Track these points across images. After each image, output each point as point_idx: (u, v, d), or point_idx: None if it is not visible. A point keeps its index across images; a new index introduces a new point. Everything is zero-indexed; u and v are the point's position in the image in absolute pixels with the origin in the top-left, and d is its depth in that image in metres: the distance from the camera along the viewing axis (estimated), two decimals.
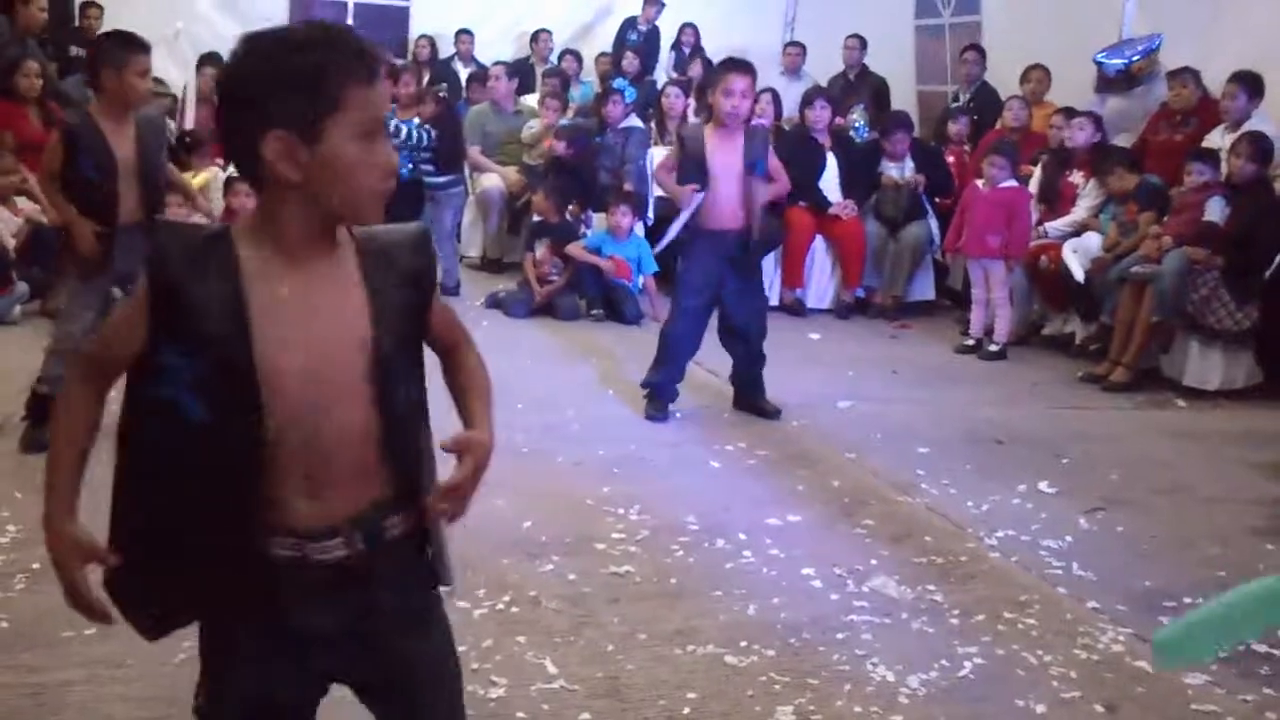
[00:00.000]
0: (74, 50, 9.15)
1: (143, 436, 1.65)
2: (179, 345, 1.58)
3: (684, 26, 11.11)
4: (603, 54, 11.17)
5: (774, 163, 5.40)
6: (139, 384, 1.64)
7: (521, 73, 10.08)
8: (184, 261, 1.59)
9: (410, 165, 7.74)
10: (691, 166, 5.21)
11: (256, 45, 1.58)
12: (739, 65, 5.24)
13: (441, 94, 8.53)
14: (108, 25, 9.89)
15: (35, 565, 3.44)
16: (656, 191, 7.35)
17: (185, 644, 2.96)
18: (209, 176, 7.73)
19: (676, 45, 11.14)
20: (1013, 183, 7.12)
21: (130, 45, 4.47)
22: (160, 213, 4.63)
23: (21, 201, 6.93)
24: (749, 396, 5.53)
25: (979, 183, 7.19)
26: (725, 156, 5.18)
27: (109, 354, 1.67)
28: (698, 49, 10.92)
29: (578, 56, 10.89)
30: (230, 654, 1.74)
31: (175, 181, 4.82)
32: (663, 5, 11.12)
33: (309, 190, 1.58)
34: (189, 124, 8.61)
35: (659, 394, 5.31)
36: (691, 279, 5.32)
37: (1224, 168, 6.46)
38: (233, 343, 1.57)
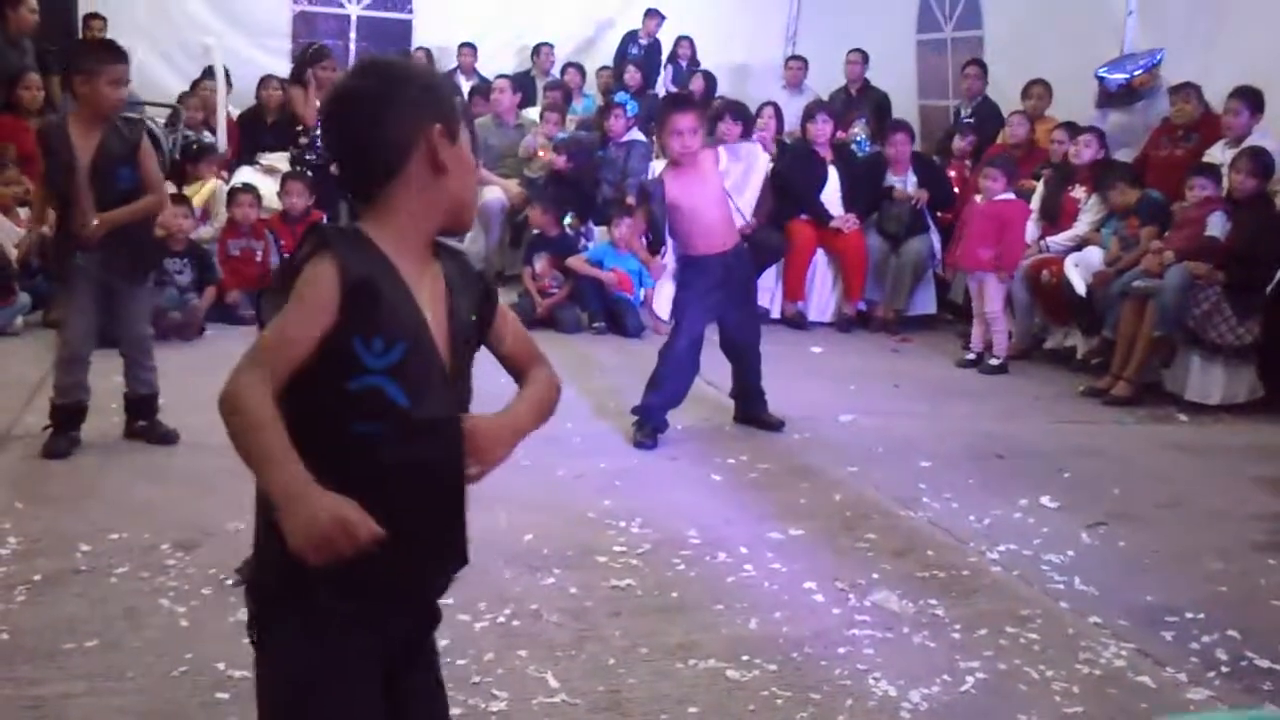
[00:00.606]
0: None
1: (345, 430, 1.68)
2: (377, 336, 1.66)
3: (680, 40, 11.10)
4: (604, 68, 11.18)
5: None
6: (328, 380, 1.65)
7: (523, 86, 10.09)
8: (362, 258, 1.68)
9: None
10: (660, 217, 5.26)
11: (396, 63, 1.81)
12: (681, 103, 5.31)
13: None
14: (111, 36, 9.94)
15: (36, 577, 3.44)
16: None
17: (186, 655, 2.99)
18: (212, 187, 7.75)
19: (673, 59, 11.14)
20: (1009, 196, 7.12)
21: (104, 53, 4.45)
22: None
23: (24, 212, 6.93)
24: (751, 409, 5.52)
25: (977, 197, 7.19)
26: (694, 190, 5.17)
27: (288, 353, 1.64)
28: (695, 62, 10.94)
29: (581, 70, 10.91)
30: (352, 631, 1.74)
31: (152, 187, 4.64)
32: (663, 18, 11.14)
33: (446, 184, 1.75)
34: (221, 133, 8.66)
35: (649, 420, 5.22)
36: (690, 304, 5.31)
37: (1225, 183, 6.46)
38: (422, 329, 1.71)
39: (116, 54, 4.47)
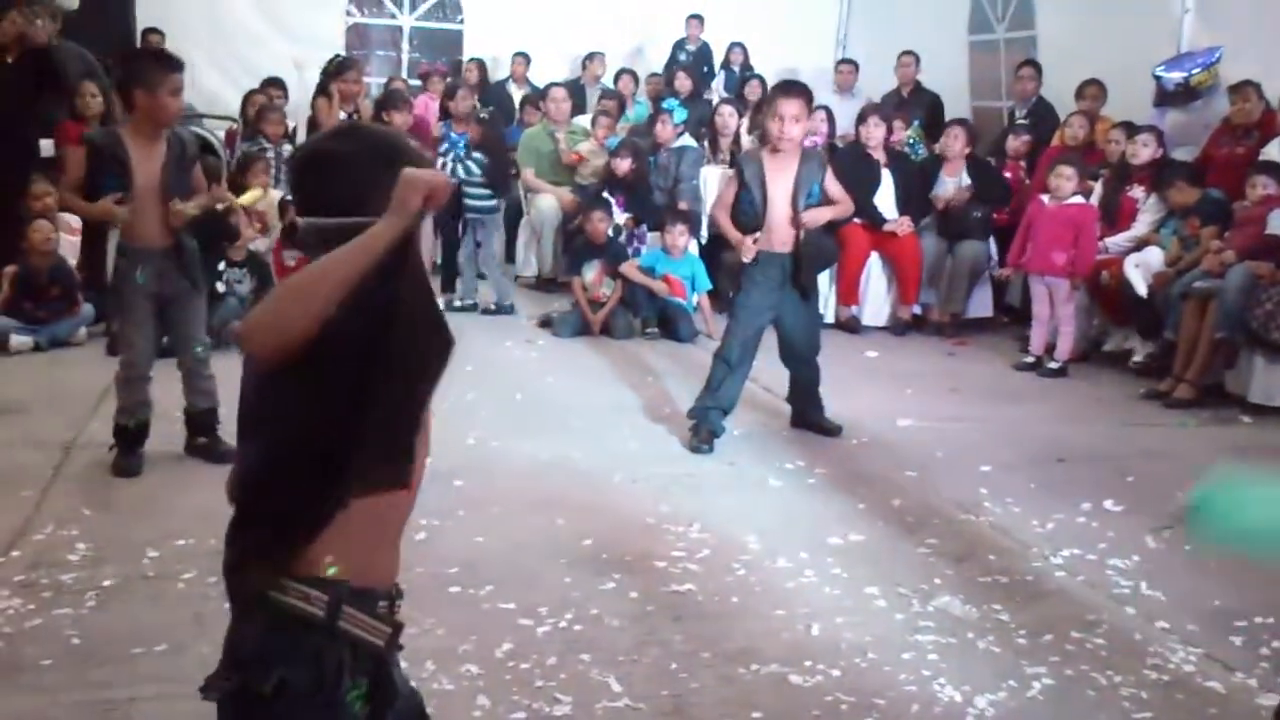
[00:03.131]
0: None
1: None
2: None
3: (732, 46, 11.15)
4: (653, 74, 11.22)
5: (833, 186, 5.33)
6: None
7: (573, 95, 10.11)
8: None
9: (459, 176, 7.82)
10: (750, 196, 5.16)
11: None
12: (791, 89, 5.19)
13: (483, 115, 8.56)
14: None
15: (105, 583, 3.49)
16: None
17: None
18: (257, 194, 7.77)
19: (726, 65, 11.19)
20: (1079, 198, 7.02)
21: (164, 63, 4.45)
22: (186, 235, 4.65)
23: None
24: (809, 414, 5.49)
25: (1044, 198, 7.09)
26: (780, 182, 5.15)
27: None
28: (747, 67, 10.95)
29: (634, 76, 10.93)
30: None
31: (201, 189, 4.72)
32: (703, 21, 11.18)
33: None
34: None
35: (705, 424, 5.19)
36: (748, 304, 5.26)
37: None
38: None
39: (174, 63, 4.47)
